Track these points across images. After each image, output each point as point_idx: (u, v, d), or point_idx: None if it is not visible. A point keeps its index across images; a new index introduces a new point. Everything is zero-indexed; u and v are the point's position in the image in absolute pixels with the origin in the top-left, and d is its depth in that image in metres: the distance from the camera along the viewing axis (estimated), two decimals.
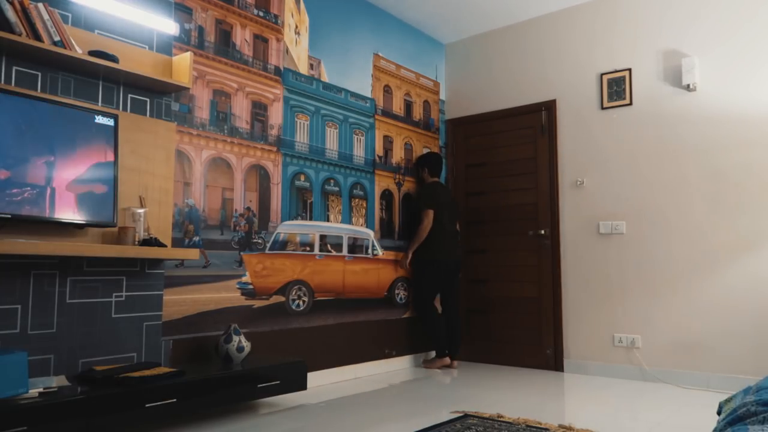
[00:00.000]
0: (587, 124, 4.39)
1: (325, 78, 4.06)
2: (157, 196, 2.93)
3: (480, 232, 4.90)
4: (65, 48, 2.47)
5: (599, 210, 4.29)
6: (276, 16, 3.73)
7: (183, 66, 2.95)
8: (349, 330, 4.04)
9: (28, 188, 2.37)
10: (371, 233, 4.32)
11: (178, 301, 3.05)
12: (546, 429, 2.68)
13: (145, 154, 2.89)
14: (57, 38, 2.45)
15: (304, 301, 3.74)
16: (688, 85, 3.92)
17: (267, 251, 3.55)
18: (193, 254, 2.85)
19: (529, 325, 4.56)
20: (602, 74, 4.33)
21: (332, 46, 4.12)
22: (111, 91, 2.80)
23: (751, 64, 3.74)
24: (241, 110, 3.47)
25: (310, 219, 3.85)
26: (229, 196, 3.37)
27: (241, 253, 3.40)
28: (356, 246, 4.16)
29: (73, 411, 2.17)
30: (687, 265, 3.88)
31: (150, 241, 2.74)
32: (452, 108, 5.17)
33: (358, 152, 4.27)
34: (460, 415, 2.97)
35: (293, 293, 3.68)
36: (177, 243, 3.06)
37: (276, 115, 3.68)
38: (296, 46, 3.85)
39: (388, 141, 4.54)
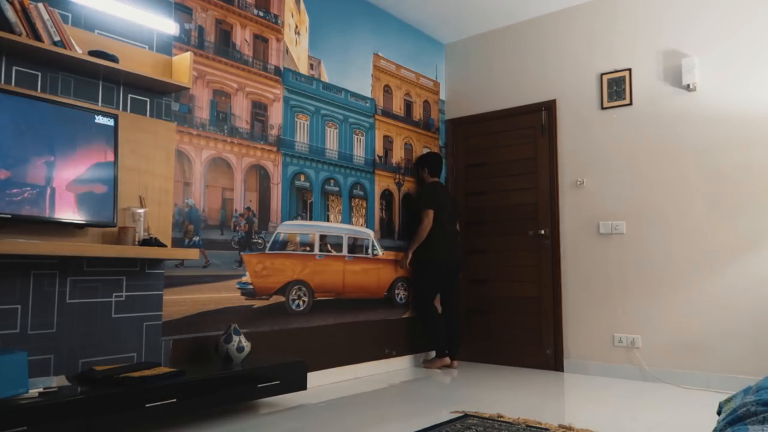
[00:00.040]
0: (587, 124, 4.39)
1: (325, 78, 4.06)
2: (157, 196, 2.93)
3: (480, 232, 4.90)
4: (65, 48, 2.47)
5: (599, 210, 4.29)
6: (276, 16, 3.73)
7: (183, 66, 2.95)
8: (349, 330, 4.04)
9: (28, 188, 2.37)
10: (371, 233, 4.32)
11: (178, 301, 3.05)
12: (546, 429, 2.68)
13: (145, 154, 2.89)
14: (57, 38, 2.45)
15: (304, 301, 3.74)
16: (688, 85, 3.92)
17: (267, 251, 3.55)
18: (193, 254, 2.85)
19: (529, 325, 4.56)
20: (602, 74, 4.33)
21: (332, 46, 4.12)
22: (111, 91, 2.80)
23: (751, 64, 3.74)
24: (241, 110, 3.47)
25: (310, 219, 3.85)
26: (229, 196, 3.37)
27: (241, 253, 3.40)
28: (356, 246, 4.16)
29: (73, 411, 2.17)
30: (687, 265, 3.88)
31: (150, 241, 2.74)
32: (452, 108, 5.17)
33: (358, 152, 4.27)
34: (460, 415, 2.97)
35: (293, 293, 3.68)
36: (177, 243, 3.06)
37: (276, 115, 3.68)
38: (296, 46, 3.85)
39: (388, 141, 4.54)
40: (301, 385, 3.14)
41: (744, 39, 3.77)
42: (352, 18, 4.31)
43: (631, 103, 4.19)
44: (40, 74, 2.55)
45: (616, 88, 4.26)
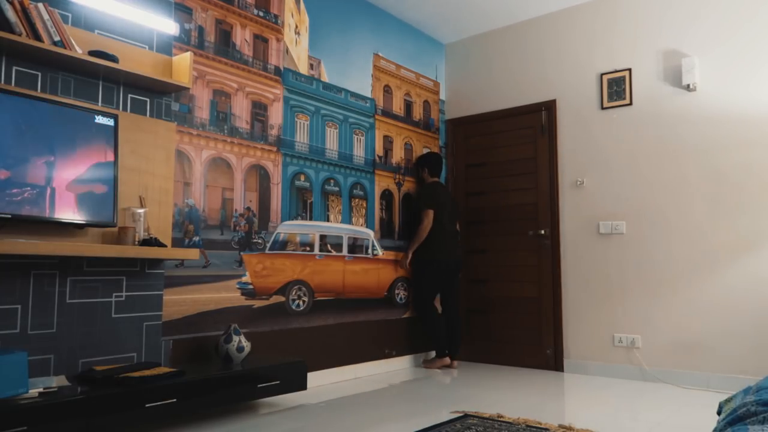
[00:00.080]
0: (587, 124, 4.39)
1: (325, 78, 4.06)
2: (157, 196, 2.93)
3: (480, 232, 4.90)
4: (65, 48, 2.47)
5: (599, 210, 4.29)
6: (276, 16, 3.73)
7: (183, 66, 2.95)
8: (349, 330, 4.04)
9: (29, 188, 2.37)
10: (371, 233, 4.32)
11: (178, 301, 3.05)
12: (546, 429, 2.68)
13: (145, 154, 2.89)
14: (57, 38, 2.45)
15: (304, 301, 3.74)
16: (688, 85, 3.92)
17: (267, 251, 3.55)
18: (193, 254, 2.85)
19: (529, 325, 4.56)
20: (602, 74, 4.33)
21: (332, 46, 4.12)
22: (111, 91, 2.80)
23: (751, 64, 3.74)
24: (241, 110, 3.47)
25: (310, 219, 3.86)
26: (229, 196, 3.37)
27: (241, 253, 3.40)
28: (356, 246, 4.16)
29: (73, 411, 2.17)
30: (687, 265, 3.88)
31: (150, 241, 2.74)
32: (452, 108, 5.17)
33: (358, 152, 4.27)
34: (460, 415, 2.97)
35: (293, 293, 3.68)
36: (177, 243, 3.06)
37: (276, 115, 3.68)
38: (296, 46, 3.85)
39: (388, 141, 4.54)
40: (301, 385, 3.14)
41: (744, 39, 3.77)
42: (352, 18, 4.31)
43: (631, 103, 4.19)
44: (40, 74, 2.55)
45: (616, 88, 4.26)
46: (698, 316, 3.81)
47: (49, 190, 2.43)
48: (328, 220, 3.98)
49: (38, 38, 2.39)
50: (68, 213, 2.49)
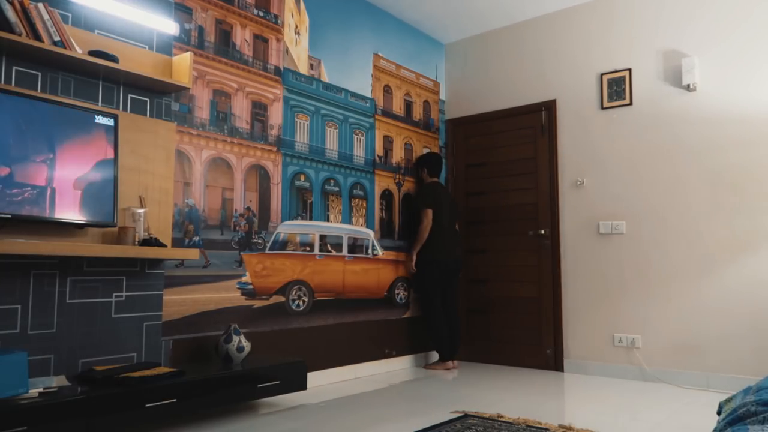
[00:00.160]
0: (587, 124, 4.39)
1: (325, 78, 4.06)
2: (157, 196, 2.93)
3: (480, 232, 4.90)
4: (65, 48, 2.47)
5: (599, 210, 4.29)
6: (276, 16, 3.73)
7: (183, 66, 2.95)
8: (349, 330, 4.04)
9: (29, 188, 2.37)
10: (371, 233, 4.32)
11: (178, 301, 3.05)
12: (546, 429, 2.68)
13: (145, 154, 2.89)
14: (57, 38, 2.45)
15: (304, 301, 3.74)
16: (688, 85, 3.92)
17: (267, 251, 3.55)
18: (193, 254, 2.85)
19: (529, 325, 4.56)
20: (602, 74, 4.33)
21: (332, 46, 4.12)
22: (111, 91, 2.80)
23: (751, 63, 3.74)
24: (241, 110, 3.47)
25: (310, 219, 3.86)
26: (229, 196, 3.37)
27: (241, 253, 3.40)
28: (356, 246, 4.16)
29: (73, 411, 2.17)
30: (687, 265, 3.88)
31: (150, 241, 2.74)
32: (452, 108, 5.17)
33: (358, 152, 4.27)
34: (460, 415, 2.97)
35: (293, 293, 3.68)
36: (177, 243, 3.07)
37: (276, 115, 3.68)
38: (296, 46, 3.85)
39: (388, 141, 4.54)
40: (301, 385, 3.14)
41: (742, 38, 3.77)
42: (352, 18, 4.31)
43: (631, 103, 4.19)
44: (40, 74, 2.55)
45: (616, 88, 4.26)
46: (698, 316, 3.81)
47: (49, 190, 2.43)
48: (328, 220, 3.98)
49: (38, 38, 2.39)
50: (68, 213, 2.49)
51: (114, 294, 2.77)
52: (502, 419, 2.87)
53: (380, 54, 4.53)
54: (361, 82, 4.34)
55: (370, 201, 4.33)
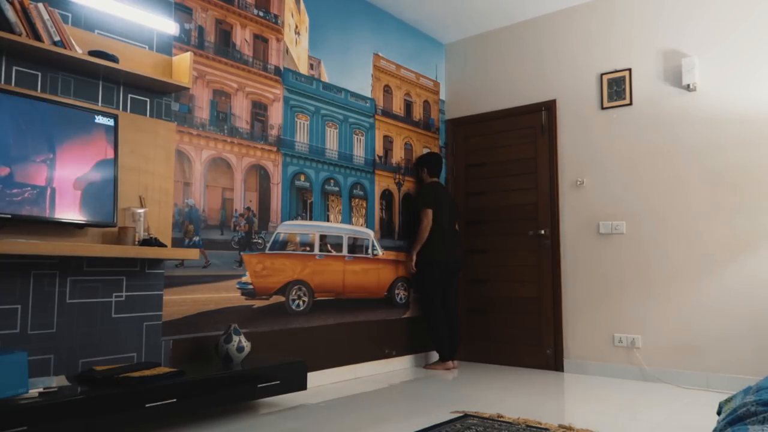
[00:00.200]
0: (587, 124, 4.39)
1: (325, 78, 4.06)
2: (157, 196, 2.93)
3: (480, 232, 4.90)
4: (65, 48, 2.47)
5: (599, 210, 4.29)
6: (276, 16, 3.73)
7: (183, 66, 2.95)
8: (349, 330, 4.04)
9: (29, 188, 2.37)
10: (371, 233, 4.32)
11: (178, 301, 3.05)
12: (546, 429, 2.68)
13: (145, 154, 2.89)
14: (57, 38, 2.45)
15: (304, 301, 3.74)
16: (688, 85, 3.92)
17: (267, 251, 3.55)
18: (193, 254, 2.85)
19: (529, 325, 4.56)
20: (602, 74, 4.33)
21: (332, 46, 4.12)
22: (111, 91, 2.81)
23: (751, 63, 3.74)
24: (241, 110, 3.47)
25: (310, 219, 3.86)
26: (229, 196, 3.37)
27: (241, 253, 3.40)
28: (356, 246, 4.16)
29: (73, 411, 2.17)
30: (687, 265, 3.88)
31: (150, 241, 2.74)
32: (452, 108, 5.17)
33: (358, 152, 4.27)
34: (460, 415, 2.97)
35: (293, 293, 3.68)
36: (177, 243, 3.07)
37: (276, 115, 3.68)
38: (296, 46, 3.85)
39: (388, 141, 4.54)
40: (301, 385, 3.14)
41: (742, 38, 3.77)
42: (352, 18, 4.31)
43: (631, 103, 4.19)
44: (40, 74, 2.55)
45: (616, 88, 4.26)
46: (698, 316, 3.81)
47: (49, 190, 2.43)
48: (328, 220, 3.98)
49: (38, 38, 2.39)
50: (68, 213, 2.49)
51: (114, 294, 2.77)
52: (502, 419, 2.87)
53: (380, 54, 4.54)
54: (361, 82, 4.34)
55: (370, 201, 4.33)
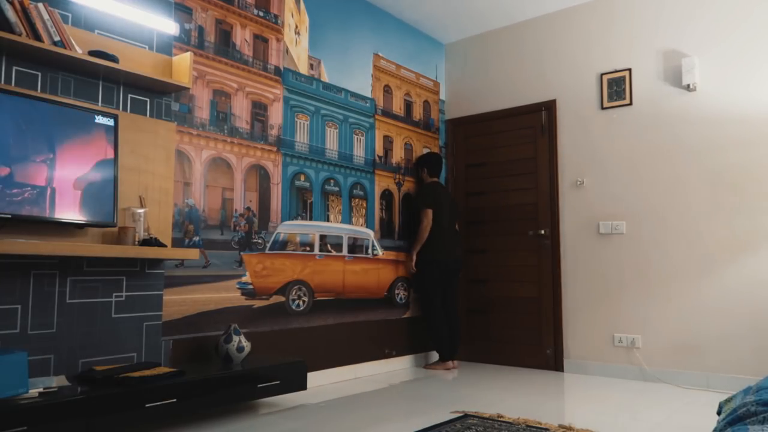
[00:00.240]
0: (587, 124, 4.39)
1: (325, 78, 4.06)
2: (157, 196, 2.93)
3: (480, 232, 4.90)
4: (65, 48, 2.47)
5: (599, 210, 4.29)
6: (276, 16, 3.73)
7: (183, 66, 2.95)
8: (349, 330, 4.04)
9: (29, 188, 2.37)
10: (371, 233, 4.32)
11: (178, 301, 3.05)
12: (546, 429, 2.68)
13: (145, 154, 2.89)
14: (57, 38, 2.45)
15: (304, 301, 3.74)
16: (689, 85, 3.92)
17: (267, 251, 3.55)
18: (193, 254, 2.85)
19: (529, 325, 4.56)
20: (602, 74, 4.33)
21: (332, 46, 4.12)
22: (111, 91, 2.81)
23: (751, 63, 3.74)
24: (241, 110, 3.47)
25: (310, 219, 3.86)
26: (229, 196, 3.37)
27: (241, 253, 3.40)
28: (356, 246, 4.16)
29: (73, 411, 2.17)
30: (687, 265, 3.88)
31: (150, 241, 2.74)
32: (452, 108, 5.17)
33: (358, 152, 4.27)
34: (460, 415, 2.97)
35: (293, 293, 3.68)
36: (177, 243, 3.07)
37: (276, 115, 3.68)
38: (296, 46, 3.85)
39: (388, 141, 4.54)
40: (301, 385, 3.14)
41: (742, 38, 3.77)
42: (352, 18, 4.31)
43: (631, 103, 4.19)
44: (40, 74, 2.55)
45: (616, 88, 4.26)
46: (698, 316, 3.81)
47: (49, 190, 2.43)
48: (328, 220, 3.98)
49: (38, 38, 2.39)
50: (68, 213, 2.49)
51: (114, 294, 2.77)
52: (502, 419, 2.87)
53: (380, 54, 4.54)
54: (361, 82, 4.34)
55: (370, 201, 4.33)
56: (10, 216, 2.29)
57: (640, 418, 2.98)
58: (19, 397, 2.11)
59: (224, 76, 3.39)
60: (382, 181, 4.46)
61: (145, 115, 2.93)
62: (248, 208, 3.47)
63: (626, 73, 4.22)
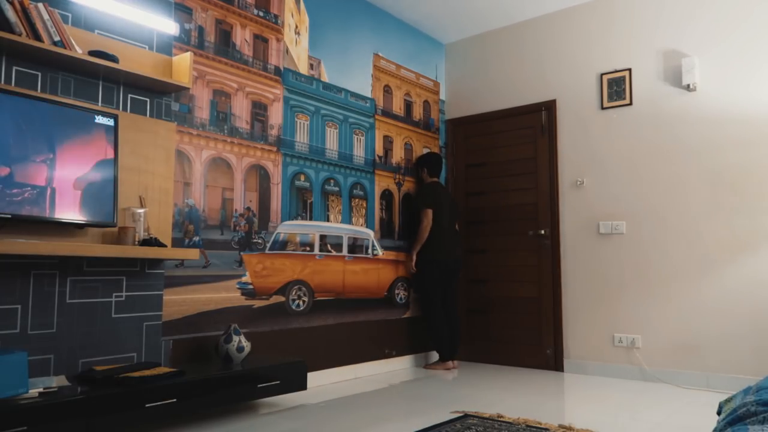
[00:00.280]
0: (587, 124, 4.39)
1: (325, 78, 4.06)
2: (157, 196, 2.93)
3: (480, 232, 4.90)
4: (65, 48, 2.47)
5: (599, 210, 4.29)
6: (276, 16, 3.73)
7: (183, 66, 2.95)
8: (349, 330, 4.04)
9: (29, 188, 2.37)
10: (371, 233, 4.32)
11: (178, 301, 3.05)
12: (546, 429, 2.68)
13: (145, 154, 2.89)
14: (57, 38, 2.45)
15: (304, 301, 3.74)
16: (688, 85, 3.92)
17: (267, 251, 3.55)
18: (193, 254, 2.85)
19: (529, 325, 4.56)
20: (602, 74, 4.33)
21: (332, 46, 4.12)
22: (111, 91, 2.81)
23: (751, 63, 3.74)
24: (241, 110, 3.47)
25: (310, 219, 3.85)
26: (229, 196, 3.37)
27: (241, 253, 3.40)
28: (356, 246, 4.16)
29: (73, 411, 2.17)
30: (687, 265, 3.88)
31: (150, 241, 2.74)
32: (452, 108, 5.17)
33: (358, 152, 4.27)
34: (460, 415, 2.97)
35: (293, 293, 3.68)
36: (177, 243, 3.07)
37: (276, 115, 3.68)
38: (296, 46, 3.85)
39: (388, 141, 4.54)
40: (301, 385, 3.14)
41: (742, 38, 3.77)
42: (352, 18, 4.31)
43: (631, 103, 4.19)
44: (40, 74, 2.55)
45: (616, 88, 4.26)
46: (698, 316, 3.81)
47: (49, 190, 2.43)
48: (328, 220, 3.98)
49: (38, 38, 2.40)
50: (68, 213, 2.49)
51: (114, 294, 2.77)
52: (502, 419, 2.87)
53: (380, 54, 4.54)
54: (361, 82, 4.34)
55: (370, 201, 4.33)
56: (10, 216, 2.29)
57: (639, 418, 2.98)
58: (19, 397, 2.11)
59: (224, 76, 3.39)
60: (382, 181, 4.46)
61: (145, 115, 2.93)
62: (248, 208, 3.47)
63: (626, 73, 4.22)
